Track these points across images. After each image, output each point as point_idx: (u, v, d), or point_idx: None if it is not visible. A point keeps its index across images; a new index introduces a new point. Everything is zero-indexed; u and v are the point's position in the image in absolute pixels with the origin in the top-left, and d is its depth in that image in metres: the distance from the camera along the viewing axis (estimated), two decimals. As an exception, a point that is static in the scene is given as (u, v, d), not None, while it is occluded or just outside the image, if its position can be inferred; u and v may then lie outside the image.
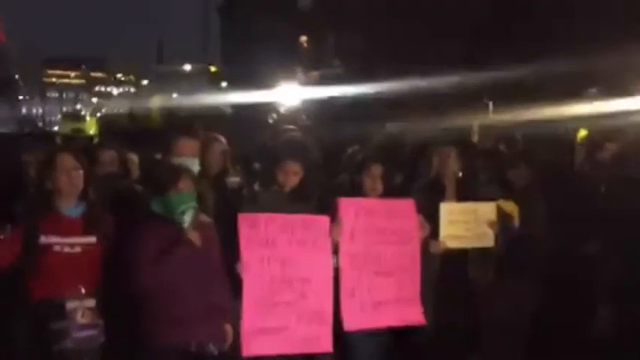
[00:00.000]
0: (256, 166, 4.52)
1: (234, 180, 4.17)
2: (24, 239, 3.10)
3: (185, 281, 3.18)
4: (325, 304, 3.51)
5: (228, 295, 3.37)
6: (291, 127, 5.57)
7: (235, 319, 3.33)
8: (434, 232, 3.96)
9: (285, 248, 3.45)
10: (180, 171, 3.33)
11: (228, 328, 3.34)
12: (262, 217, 3.44)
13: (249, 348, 3.31)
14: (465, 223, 4.06)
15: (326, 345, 3.50)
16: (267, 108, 14.75)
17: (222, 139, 4.34)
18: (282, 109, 14.61)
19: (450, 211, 4.05)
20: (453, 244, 4.03)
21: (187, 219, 3.22)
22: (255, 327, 3.33)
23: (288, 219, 3.51)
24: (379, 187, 3.85)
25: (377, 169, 3.85)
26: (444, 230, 4.01)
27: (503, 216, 4.20)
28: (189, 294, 3.18)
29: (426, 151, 4.66)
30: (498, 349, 4.46)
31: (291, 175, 3.70)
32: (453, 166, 4.27)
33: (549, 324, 4.81)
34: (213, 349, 3.24)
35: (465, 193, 4.25)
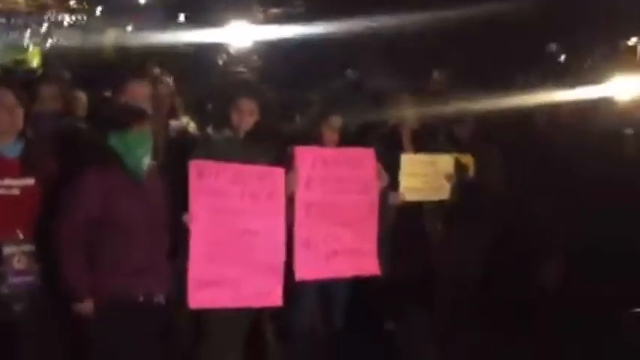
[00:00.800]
0: (209, 107, 4.38)
1: (176, 123, 4.02)
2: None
3: (135, 228, 3.05)
4: (276, 258, 3.45)
5: (174, 245, 3.26)
6: (242, 69, 5.42)
7: (182, 270, 3.24)
8: (391, 184, 3.92)
9: (236, 199, 3.35)
10: (144, 110, 3.17)
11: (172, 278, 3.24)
12: (214, 166, 3.31)
13: (195, 300, 3.24)
14: (424, 176, 4.06)
15: (275, 299, 3.46)
16: (221, 47, 14.26)
17: (169, 79, 4.19)
18: (234, 49, 14.13)
19: (410, 163, 4.03)
20: (411, 196, 4.02)
21: (145, 161, 3.08)
22: (201, 279, 3.25)
23: (242, 170, 3.39)
24: (337, 137, 3.77)
25: (336, 121, 3.77)
26: (404, 182, 3.99)
27: (459, 169, 4.22)
28: (138, 242, 3.06)
29: (383, 100, 4.60)
30: (450, 301, 4.54)
31: (246, 114, 3.58)
32: (411, 117, 4.22)
33: (500, 275, 4.94)
34: (160, 299, 3.15)
35: (422, 145, 4.23)
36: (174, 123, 4.14)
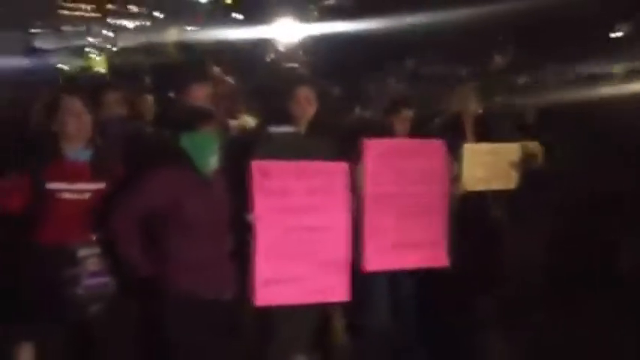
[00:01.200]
0: (267, 102, 4.39)
1: (236, 122, 4.06)
2: (31, 185, 3.04)
3: (202, 226, 3.09)
4: (341, 253, 3.43)
5: (239, 243, 3.28)
6: (297, 63, 5.43)
7: (246, 268, 3.27)
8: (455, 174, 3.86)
9: (300, 196, 3.34)
10: (211, 111, 3.24)
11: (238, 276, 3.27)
12: (276, 165, 3.31)
13: (261, 298, 3.26)
14: (488, 165, 3.96)
15: (341, 294, 3.44)
16: (276, 43, 14.34)
17: (230, 78, 4.23)
18: (289, 45, 14.19)
19: (473, 152, 3.95)
20: (474, 186, 3.94)
21: (213, 160, 3.13)
22: (267, 277, 3.27)
23: (304, 166, 3.38)
24: (407, 129, 3.75)
25: (407, 113, 3.71)
26: (467, 171, 3.91)
27: (526, 157, 4.09)
28: (205, 240, 3.10)
29: (444, 87, 4.52)
30: (518, 292, 4.43)
31: (305, 103, 3.55)
32: (473, 105, 4.12)
33: (569, 264, 4.77)
34: (228, 296, 3.19)
35: (485, 133, 4.12)
36: (234, 122, 4.18)
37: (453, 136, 3.99)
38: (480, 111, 4.18)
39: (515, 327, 4.28)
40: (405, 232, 3.61)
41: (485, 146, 4.02)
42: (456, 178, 3.85)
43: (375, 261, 3.53)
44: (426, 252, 3.66)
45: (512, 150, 4.03)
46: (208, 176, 3.14)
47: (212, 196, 3.14)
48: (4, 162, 3.19)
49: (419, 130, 4.03)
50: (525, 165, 4.06)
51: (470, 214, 4.02)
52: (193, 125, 3.11)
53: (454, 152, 3.84)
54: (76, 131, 3.13)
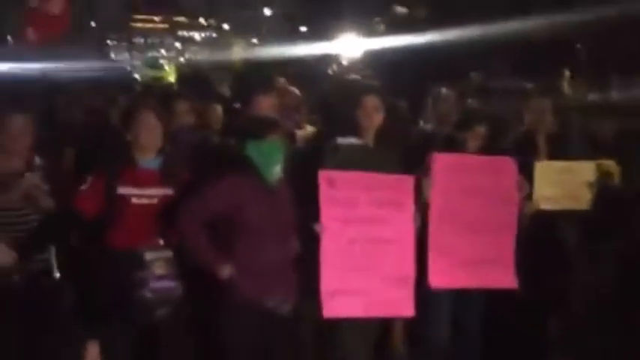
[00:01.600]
0: (334, 112, 4.38)
1: (302, 133, 4.07)
2: (105, 190, 3.15)
3: (266, 234, 3.11)
4: (407, 267, 3.38)
5: (303, 253, 3.28)
6: (363, 74, 5.40)
7: (312, 278, 3.25)
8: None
9: (366, 208, 3.32)
10: (277, 120, 3.29)
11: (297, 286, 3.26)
12: (343, 175, 3.30)
13: (328, 310, 3.24)
14: (561, 184, 3.81)
15: (407, 309, 3.39)
16: (340, 56, 14.43)
17: (296, 91, 4.26)
18: (354, 56, 14.22)
19: (545, 170, 3.81)
20: (546, 205, 3.80)
21: (278, 169, 3.16)
22: (334, 289, 3.25)
23: (371, 178, 3.36)
24: (479, 145, 3.67)
25: (481, 130, 3.67)
26: (539, 190, 3.77)
27: (602, 176, 3.91)
28: (269, 248, 3.12)
29: (515, 104, 4.40)
30: (585, 318, 4.23)
31: (373, 112, 3.51)
32: (547, 122, 3.99)
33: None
34: (288, 307, 3.19)
35: (559, 150, 3.98)
36: (300, 132, 4.20)
37: (526, 154, 3.87)
38: (554, 128, 4.03)
39: (581, 352, 4.10)
40: (471, 251, 3.53)
41: (558, 164, 3.87)
42: (527, 197, 3.72)
43: (441, 279, 3.46)
44: (494, 272, 3.57)
45: (586, 169, 3.87)
46: (273, 184, 3.16)
47: (276, 204, 3.15)
48: (83, 166, 3.32)
49: (491, 146, 3.93)
50: (601, 185, 3.88)
51: (541, 234, 3.89)
52: (260, 134, 3.15)
53: (526, 170, 3.71)
54: (149, 143, 3.24)
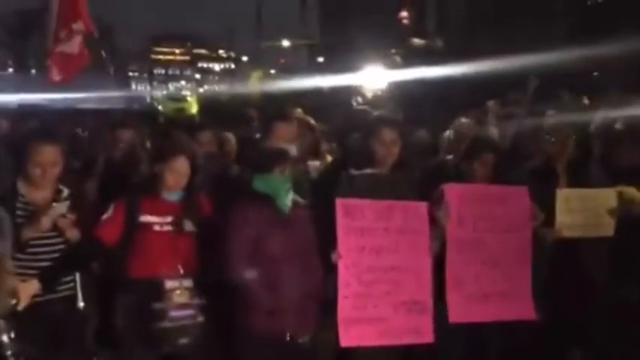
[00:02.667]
0: (351, 143, 4.42)
1: (315, 163, 4.10)
2: (126, 219, 3.19)
3: (282, 264, 3.12)
4: (424, 294, 3.38)
5: (322, 283, 3.29)
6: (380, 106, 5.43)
7: (330, 309, 3.26)
8: (547, 220, 3.69)
9: (382, 236, 3.33)
10: (286, 152, 3.30)
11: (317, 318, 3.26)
12: (360, 204, 3.33)
13: (345, 338, 3.23)
14: (583, 211, 3.77)
15: (427, 336, 3.38)
16: (358, 88, 14.58)
17: (314, 122, 4.32)
18: (367, 89, 14.35)
19: (566, 198, 3.78)
20: (569, 233, 3.76)
21: (289, 199, 3.18)
22: (351, 317, 3.24)
23: (387, 205, 3.38)
24: (489, 174, 3.65)
25: (489, 157, 3.65)
26: (560, 218, 3.74)
27: (625, 203, 3.83)
28: (285, 278, 3.13)
29: (536, 133, 4.38)
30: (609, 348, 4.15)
31: (390, 144, 3.54)
32: (569, 150, 3.98)
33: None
34: (305, 339, 3.17)
35: (579, 179, 3.96)
36: (312, 163, 4.22)
37: (546, 181, 3.85)
38: (575, 154, 4.02)
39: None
40: (488, 282, 3.51)
41: (579, 192, 3.84)
42: (546, 225, 3.70)
43: (459, 312, 3.44)
44: (512, 304, 3.54)
45: (608, 196, 3.82)
46: (285, 215, 3.18)
47: (291, 233, 3.16)
48: (107, 196, 3.37)
49: (508, 174, 3.92)
50: (623, 212, 3.82)
51: (563, 264, 3.84)
52: (266, 167, 3.19)
53: (545, 197, 3.70)
54: (176, 185, 3.26)
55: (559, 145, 3.99)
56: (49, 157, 3.14)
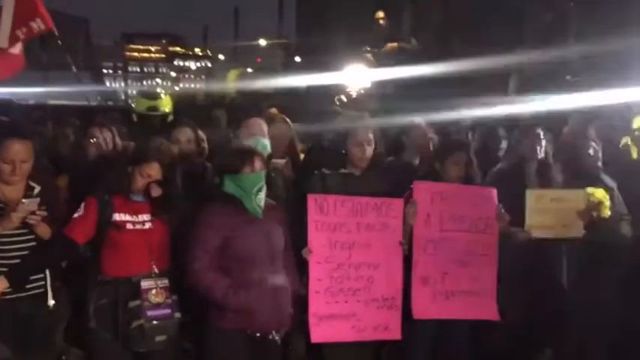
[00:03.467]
0: (326, 143, 4.41)
1: (279, 161, 4.07)
2: (98, 218, 3.15)
3: (255, 264, 3.11)
4: (394, 291, 3.41)
5: (296, 282, 3.28)
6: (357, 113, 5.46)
7: (301, 305, 3.26)
8: (518, 221, 3.74)
9: (354, 232, 3.35)
10: (255, 151, 3.26)
11: (290, 314, 3.24)
12: (332, 199, 3.34)
13: (316, 334, 3.25)
14: (553, 212, 3.80)
15: (395, 332, 3.41)
16: (336, 87, 14.62)
17: (287, 120, 4.32)
18: (342, 89, 14.41)
19: (536, 199, 3.81)
20: (538, 233, 3.80)
21: (261, 199, 3.14)
22: (322, 313, 3.26)
23: (359, 202, 3.39)
24: (462, 174, 3.68)
25: (461, 157, 3.68)
26: (530, 219, 3.78)
27: (593, 204, 3.87)
28: (258, 276, 3.11)
29: (510, 133, 4.43)
30: (580, 348, 4.21)
31: (366, 145, 3.59)
32: (541, 150, 4.03)
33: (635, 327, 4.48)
34: (275, 335, 3.16)
35: (549, 180, 4.02)
36: (279, 161, 4.19)
37: (515, 182, 3.90)
38: (542, 155, 4.08)
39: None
40: (453, 281, 3.54)
41: (549, 192, 3.89)
42: (516, 225, 3.74)
43: (423, 309, 3.47)
44: (476, 303, 3.58)
45: (577, 197, 3.85)
46: (258, 213, 3.14)
47: (263, 232, 3.14)
48: (79, 193, 3.32)
49: (474, 174, 3.94)
50: (592, 213, 3.86)
51: (533, 264, 3.89)
52: (235, 169, 3.12)
53: (515, 198, 3.73)
54: (144, 189, 3.19)
55: (531, 145, 4.04)
56: (19, 153, 3.10)
